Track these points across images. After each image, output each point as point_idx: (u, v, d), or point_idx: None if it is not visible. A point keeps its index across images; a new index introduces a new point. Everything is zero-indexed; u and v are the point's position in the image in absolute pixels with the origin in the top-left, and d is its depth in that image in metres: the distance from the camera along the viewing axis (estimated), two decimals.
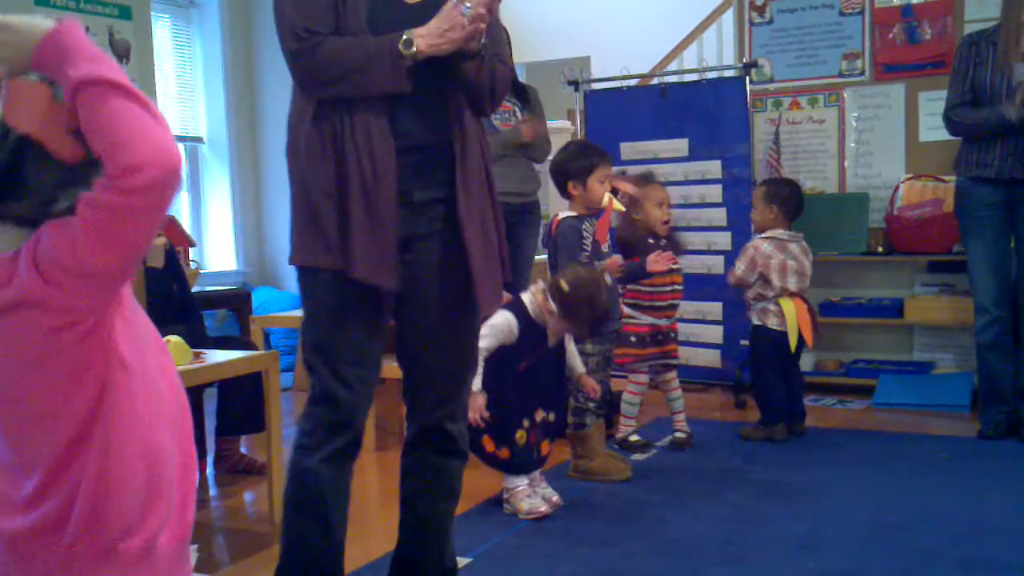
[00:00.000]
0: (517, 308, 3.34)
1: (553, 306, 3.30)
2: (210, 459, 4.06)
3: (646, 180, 4.22)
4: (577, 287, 3.26)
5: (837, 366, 5.33)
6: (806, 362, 5.37)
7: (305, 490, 2.28)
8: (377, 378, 2.34)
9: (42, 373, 1.24)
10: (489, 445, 3.35)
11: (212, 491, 3.91)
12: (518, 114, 5.21)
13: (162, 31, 6.25)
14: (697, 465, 3.95)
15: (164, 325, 3.44)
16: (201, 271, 5.68)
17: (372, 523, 3.37)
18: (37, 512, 1.25)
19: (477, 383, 3.18)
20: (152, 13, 5.89)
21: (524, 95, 5.29)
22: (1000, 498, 3.40)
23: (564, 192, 3.78)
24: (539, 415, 3.41)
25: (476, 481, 3.90)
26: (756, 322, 4.30)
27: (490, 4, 2.18)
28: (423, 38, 2.13)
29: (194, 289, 4.42)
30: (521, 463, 3.38)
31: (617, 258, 3.82)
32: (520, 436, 3.35)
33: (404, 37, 2.12)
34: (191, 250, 5.59)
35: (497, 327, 3.27)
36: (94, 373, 1.25)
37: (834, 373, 5.30)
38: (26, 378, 1.24)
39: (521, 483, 3.38)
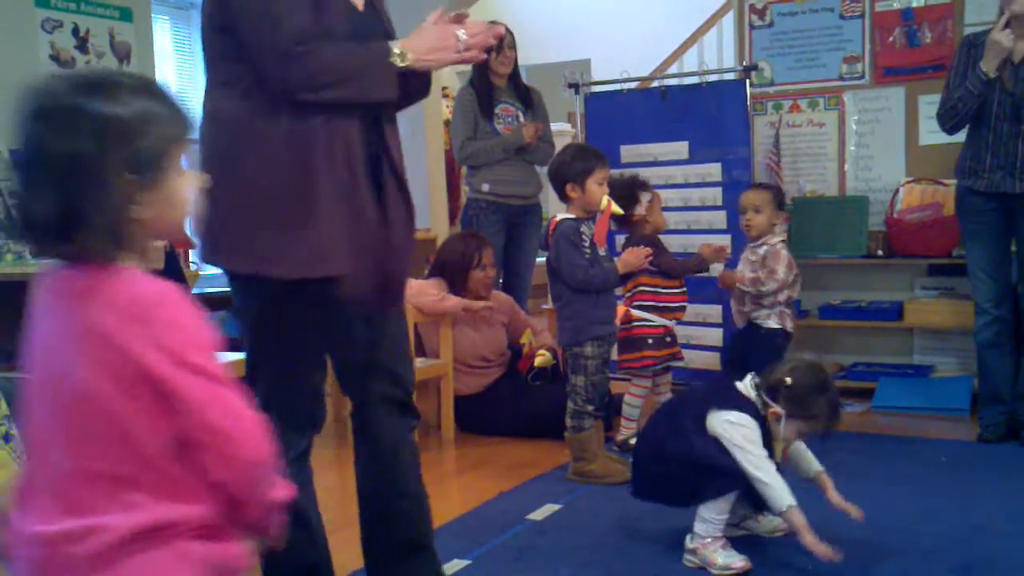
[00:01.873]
0: (753, 411, 2.87)
1: (779, 409, 2.86)
2: None
3: (643, 187, 4.22)
4: (803, 376, 2.89)
5: (837, 369, 5.33)
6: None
7: None
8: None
9: (123, 390, 1.24)
10: None
11: None
12: (520, 117, 5.23)
13: (162, 33, 6.25)
14: None
15: None
16: (200, 273, 5.67)
17: None
18: (76, 521, 1.24)
19: (786, 496, 2.77)
20: (152, 15, 5.89)
21: (528, 98, 5.31)
22: (1000, 501, 3.40)
23: (562, 195, 3.78)
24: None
25: (474, 483, 3.91)
26: (775, 325, 4.21)
27: (487, 45, 2.18)
28: (413, 52, 2.13)
29: (193, 291, 4.42)
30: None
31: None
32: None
33: (395, 49, 2.12)
34: (190, 252, 5.59)
35: (750, 428, 2.83)
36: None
37: (834, 376, 5.28)
38: (106, 392, 1.24)
39: (718, 534, 2.90)
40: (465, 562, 2.94)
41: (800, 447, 3.03)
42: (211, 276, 6.09)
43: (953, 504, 3.37)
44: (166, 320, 1.25)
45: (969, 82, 4.07)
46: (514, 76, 5.27)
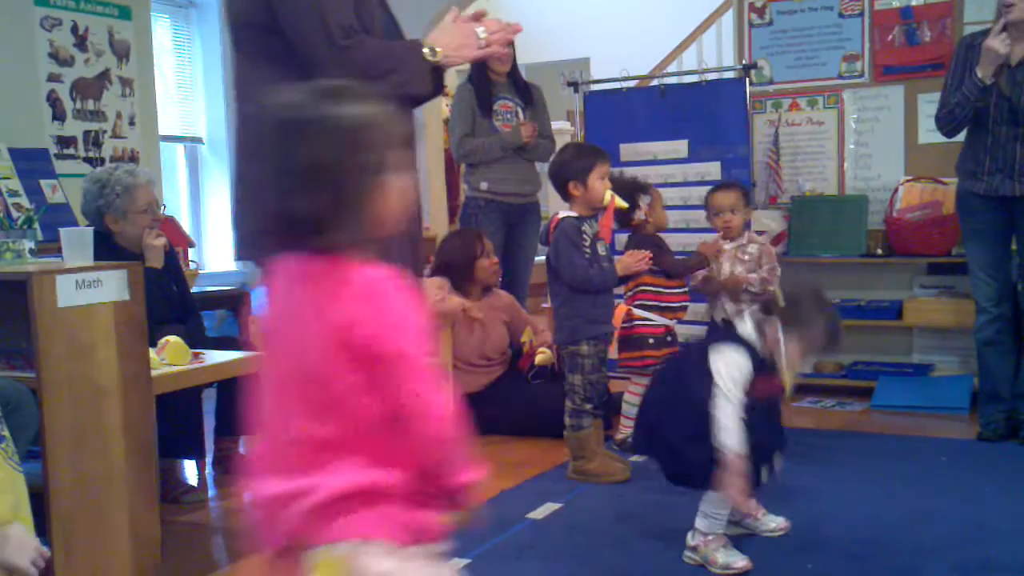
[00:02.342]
0: (741, 342, 2.83)
1: (779, 329, 2.79)
2: (209, 460, 4.06)
3: (641, 190, 4.21)
4: (796, 291, 2.87)
5: (836, 368, 5.33)
6: (806, 364, 5.36)
7: None
8: None
9: (345, 366, 1.37)
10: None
11: (211, 491, 3.90)
12: (520, 114, 5.22)
13: (162, 31, 6.25)
14: None
15: (163, 325, 3.46)
16: (200, 271, 5.67)
17: None
18: (295, 482, 1.38)
19: (738, 443, 2.69)
20: (152, 13, 5.89)
21: (527, 94, 5.30)
22: (999, 500, 3.40)
23: (565, 194, 3.78)
24: (777, 461, 2.95)
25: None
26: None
27: (506, 41, 2.27)
28: (442, 49, 2.21)
29: (193, 289, 4.42)
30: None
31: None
32: (764, 475, 2.88)
33: (426, 46, 2.20)
34: (189, 250, 5.59)
35: (740, 365, 2.77)
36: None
37: (833, 375, 5.29)
38: (331, 367, 1.37)
39: (719, 531, 2.89)
40: (465, 561, 2.94)
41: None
42: (211, 275, 6.09)
43: (952, 503, 3.37)
44: (387, 305, 1.38)
45: (966, 87, 4.06)
46: (513, 72, 5.25)
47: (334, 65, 2.14)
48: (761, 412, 2.81)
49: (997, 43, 3.94)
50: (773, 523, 3.12)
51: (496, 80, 5.18)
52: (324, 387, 1.38)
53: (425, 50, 2.20)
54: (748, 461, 2.71)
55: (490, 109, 5.14)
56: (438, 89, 2.35)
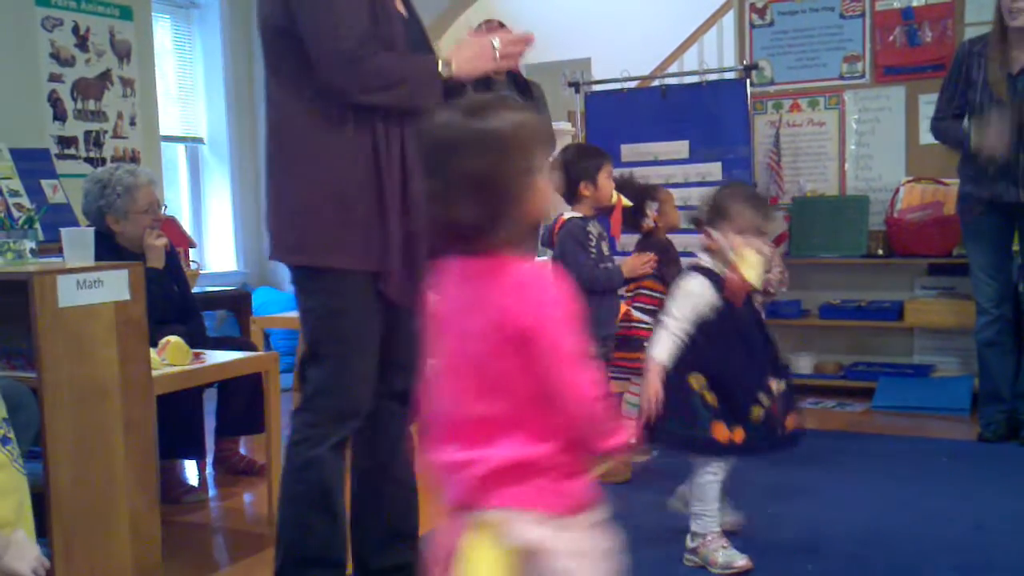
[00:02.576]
0: (700, 270, 2.89)
1: (713, 234, 2.87)
2: (209, 460, 4.06)
3: (650, 197, 4.20)
4: (711, 197, 2.95)
5: (837, 369, 5.33)
6: (806, 364, 5.37)
7: (311, 481, 2.32)
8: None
9: (509, 350, 1.53)
10: (721, 432, 2.80)
11: (211, 492, 3.90)
12: None
13: (163, 31, 6.25)
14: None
15: (164, 326, 3.46)
16: (201, 272, 5.67)
17: None
18: (467, 453, 1.56)
19: (662, 353, 2.79)
20: (153, 13, 5.89)
21: (527, 92, 5.26)
22: (999, 501, 3.40)
23: (573, 195, 3.77)
24: (775, 385, 2.87)
25: None
26: None
27: (520, 53, 2.33)
28: (456, 63, 2.26)
29: (194, 290, 4.42)
30: (758, 444, 2.85)
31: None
32: (757, 412, 2.82)
33: (441, 59, 2.25)
34: (190, 251, 5.59)
35: (690, 291, 2.84)
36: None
37: (834, 376, 5.29)
38: (497, 351, 1.54)
39: (715, 528, 2.89)
40: None
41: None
42: (211, 275, 6.10)
43: (953, 504, 3.37)
44: (539, 297, 1.55)
45: (951, 130, 4.20)
46: (513, 69, 5.19)
47: (344, 71, 2.18)
48: (736, 342, 2.85)
49: (996, 145, 3.98)
50: (728, 517, 3.10)
51: (495, 78, 5.12)
52: (489, 371, 1.55)
53: (440, 65, 2.25)
54: (728, 398, 2.79)
55: None
56: (461, 94, 2.41)
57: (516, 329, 1.53)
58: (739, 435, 2.79)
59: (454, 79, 2.26)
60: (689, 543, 2.92)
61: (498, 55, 2.27)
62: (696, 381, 2.80)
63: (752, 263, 2.82)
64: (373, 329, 2.35)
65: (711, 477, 2.88)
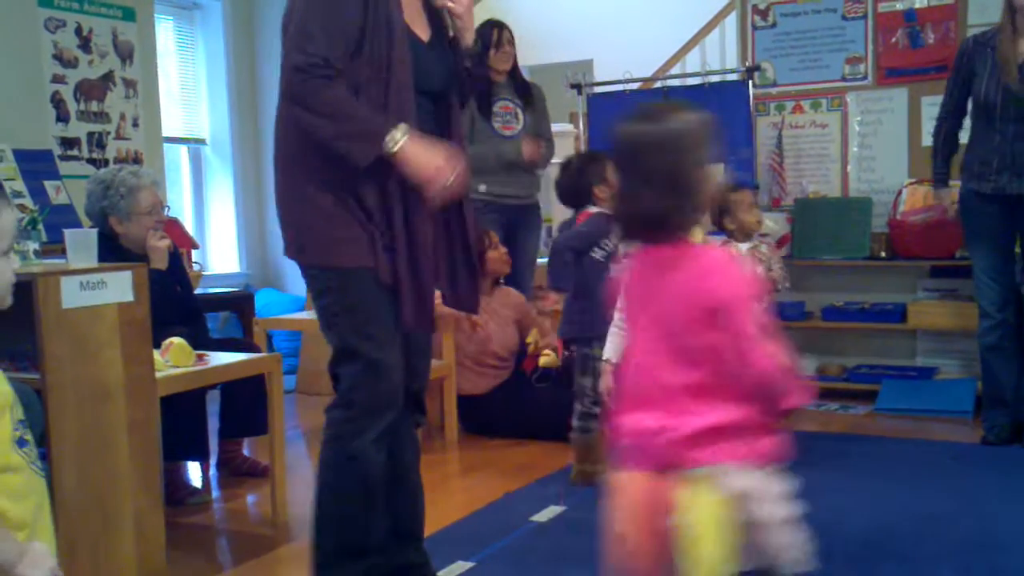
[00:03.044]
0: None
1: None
2: (213, 461, 4.06)
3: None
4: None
5: (840, 371, 5.33)
6: (809, 366, 5.37)
7: (355, 475, 2.35)
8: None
9: (705, 324, 1.77)
10: None
11: (215, 493, 3.90)
12: (519, 115, 5.16)
13: (165, 32, 6.25)
14: None
15: (167, 327, 3.45)
16: (204, 273, 5.67)
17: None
18: (668, 419, 1.79)
19: (607, 351, 2.89)
20: (155, 15, 5.90)
21: (528, 94, 5.25)
22: (1003, 504, 3.39)
23: (588, 200, 3.80)
24: None
25: (478, 485, 3.91)
26: None
27: (456, 194, 2.34)
28: (407, 150, 2.22)
29: (197, 291, 4.42)
30: None
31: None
32: None
33: (395, 136, 2.21)
34: (193, 252, 5.59)
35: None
36: None
37: (836, 378, 5.29)
38: (695, 326, 1.78)
39: None
40: (469, 564, 2.94)
41: None
42: (214, 277, 6.10)
43: (956, 507, 3.36)
44: (732, 278, 1.79)
45: (938, 160, 4.37)
46: (513, 71, 5.14)
47: (291, 79, 2.21)
48: None
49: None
50: None
51: (496, 79, 5.12)
52: (687, 345, 1.79)
53: (389, 141, 2.21)
54: None
55: (490, 111, 5.04)
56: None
57: (711, 306, 1.76)
58: None
59: (395, 158, 2.22)
60: None
61: (446, 184, 2.25)
62: None
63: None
64: (390, 321, 2.35)
65: None
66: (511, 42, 5.04)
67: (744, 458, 1.79)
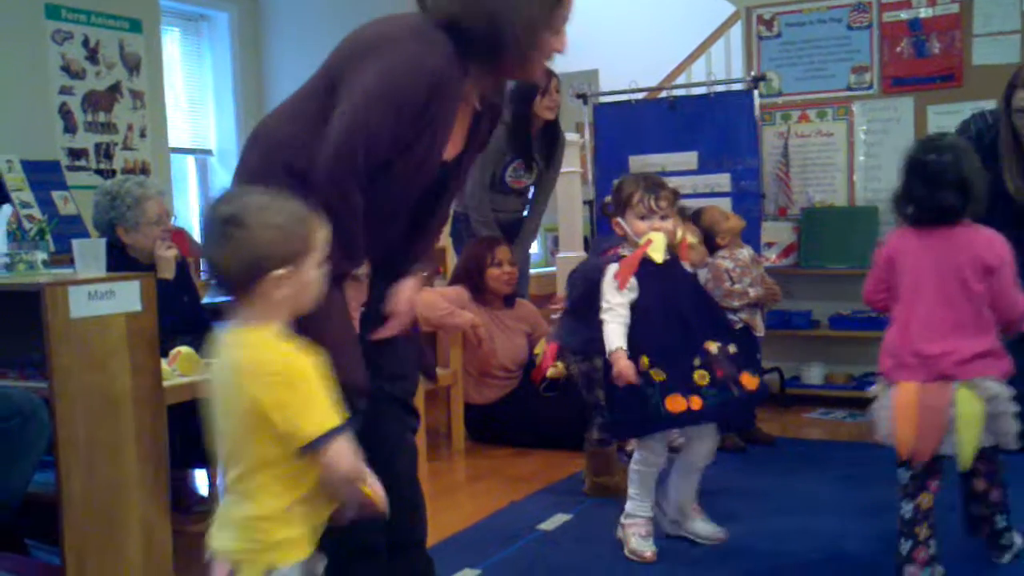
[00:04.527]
0: (619, 257, 3.04)
1: (629, 221, 3.04)
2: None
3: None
4: (620, 181, 3.12)
5: (847, 379, 5.32)
6: (816, 375, 5.36)
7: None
8: None
9: (976, 279, 2.62)
10: (676, 404, 2.84)
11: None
12: (534, 168, 4.94)
13: (172, 44, 6.28)
14: (708, 479, 3.94)
15: (174, 336, 3.46)
16: (211, 283, 5.68)
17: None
18: (947, 344, 2.58)
19: (616, 340, 2.90)
20: (162, 26, 5.92)
21: (553, 146, 4.96)
22: (1012, 512, 3.37)
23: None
24: (711, 347, 2.93)
25: (484, 493, 3.90)
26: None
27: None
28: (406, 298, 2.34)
29: (204, 300, 4.42)
30: (712, 408, 2.88)
31: None
32: (699, 376, 2.88)
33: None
34: (200, 262, 5.60)
35: (612, 278, 2.99)
36: None
37: (844, 386, 5.28)
38: (970, 280, 2.62)
39: (643, 514, 3.08)
40: (475, 572, 2.94)
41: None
42: None
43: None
44: (1001, 247, 2.62)
45: None
46: (549, 122, 4.89)
47: (325, 173, 2.10)
48: (666, 314, 2.95)
49: None
50: (707, 530, 3.14)
51: (537, 125, 4.84)
52: (964, 294, 2.59)
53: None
54: (670, 369, 2.88)
55: (510, 162, 4.86)
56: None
57: (986, 265, 2.58)
58: (696, 402, 2.86)
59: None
60: (622, 519, 3.09)
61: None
62: (640, 363, 2.88)
63: (657, 245, 2.99)
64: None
65: (643, 468, 3.04)
66: (559, 89, 4.82)
67: (996, 371, 2.58)
